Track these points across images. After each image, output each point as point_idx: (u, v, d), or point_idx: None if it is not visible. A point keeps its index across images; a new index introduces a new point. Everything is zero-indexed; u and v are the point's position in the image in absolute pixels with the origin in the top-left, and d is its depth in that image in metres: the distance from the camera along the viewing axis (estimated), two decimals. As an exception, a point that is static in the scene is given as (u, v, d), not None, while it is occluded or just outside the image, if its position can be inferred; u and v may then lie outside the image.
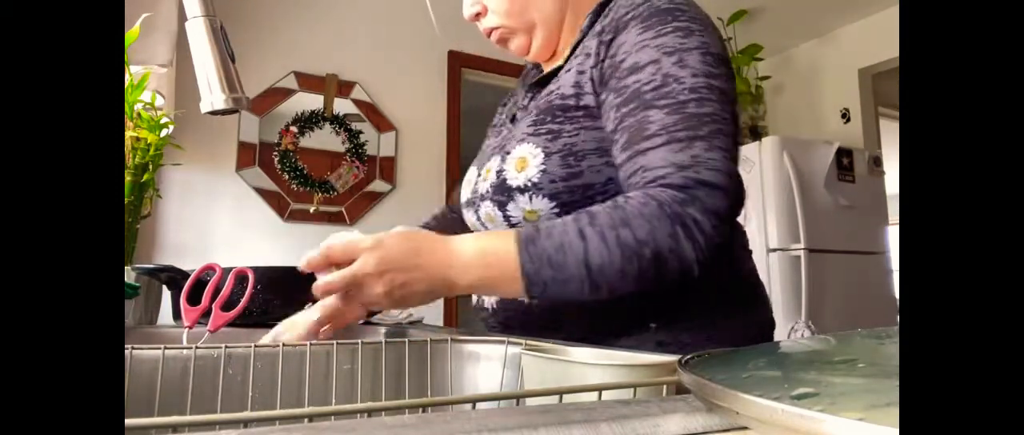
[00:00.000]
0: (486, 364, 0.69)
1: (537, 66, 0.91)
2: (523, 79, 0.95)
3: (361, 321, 0.73)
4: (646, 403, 0.31)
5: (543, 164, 0.69)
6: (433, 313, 2.82)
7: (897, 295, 3.09)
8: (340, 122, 2.87)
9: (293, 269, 1.04)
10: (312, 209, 2.75)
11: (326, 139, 2.84)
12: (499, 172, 0.74)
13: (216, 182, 2.60)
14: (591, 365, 0.43)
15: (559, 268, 0.59)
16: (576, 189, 0.69)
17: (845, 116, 3.74)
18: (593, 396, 0.37)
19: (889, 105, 4.00)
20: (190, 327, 0.70)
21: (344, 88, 2.89)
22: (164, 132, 1.21)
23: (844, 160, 3.06)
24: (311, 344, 0.65)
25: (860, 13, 3.65)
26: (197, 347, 0.62)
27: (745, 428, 0.25)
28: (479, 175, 0.79)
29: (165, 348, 0.61)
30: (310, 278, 0.87)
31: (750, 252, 0.81)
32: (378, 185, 2.90)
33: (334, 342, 0.65)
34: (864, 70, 3.71)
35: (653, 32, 0.67)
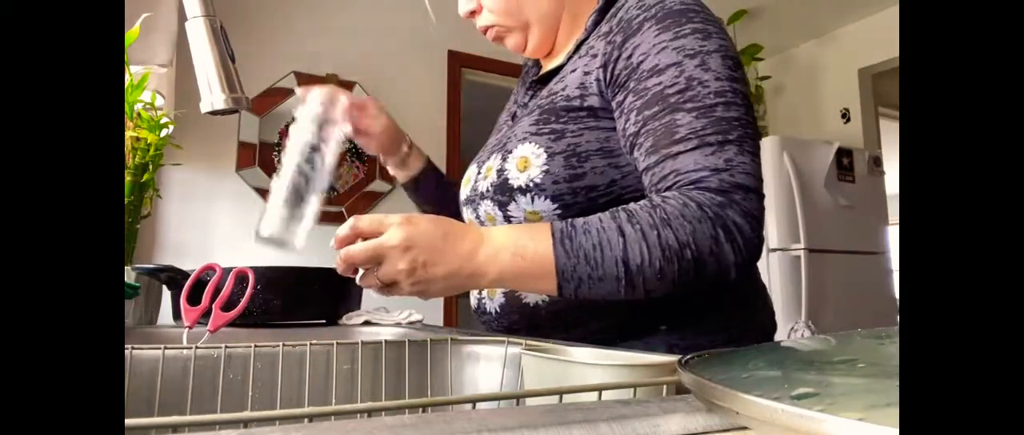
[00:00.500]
0: (486, 364, 0.69)
1: (536, 63, 0.90)
2: (523, 77, 0.94)
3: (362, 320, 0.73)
4: (646, 403, 0.31)
5: (546, 165, 0.69)
6: (433, 313, 2.82)
7: (897, 295, 3.09)
8: (340, 122, 2.87)
9: (293, 269, 1.05)
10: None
11: (326, 139, 2.84)
12: (500, 171, 0.73)
13: (216, 182, 2.60)
14: (591, 365, 0.43)
15: (596, 266, 0.57)
16: (579, 191, 0.68)
17: (845, 116, 3.74)
18: (593, 396, 0.37)
19: (889, 105, 4.00)
20: (190, 327, 0.70)
21: (344, 88, 2.89)
22: (164, 132, 1.21)
23: (844, 160, 3.06)
24: (311, 344, 0.65)
25: (860, 13, 3.65)
26: (197, 347, 0.62)
27: (745, 428, 0.25)
28: (479, 173, 0.79)
29: (165, 348, 0.61)
30: (310, 278, 0.87)
31: None
32: (378, 185, 2.90)
33: (334, 342, 0.65)
34: (864, 70, 3.71)
35: (671, 33, 0.66)
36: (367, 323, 1.06)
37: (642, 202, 0.61)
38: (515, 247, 0.59)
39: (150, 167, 1.18)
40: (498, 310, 0.77)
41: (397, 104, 3.01)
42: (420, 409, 0.33)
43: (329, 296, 1.06)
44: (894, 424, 0.18)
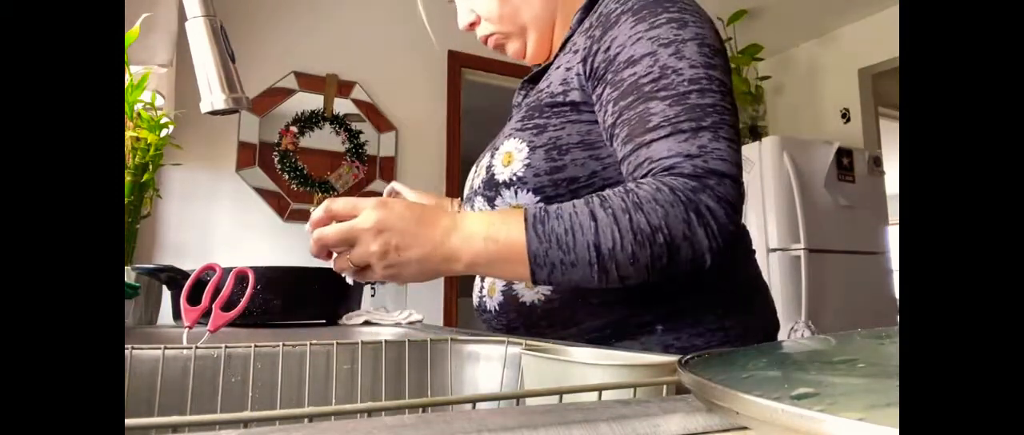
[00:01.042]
0: (486, 364, 0.69)
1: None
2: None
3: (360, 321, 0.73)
4: (646, 403, 0.31)
5: (528, 158, 0.70)
6: (433, 313, 2.82)
7: (897, 295, 3.09)
8: (340, 122, 2.87)
9: (293, 269, 1.05)
10: (312, 209, 2.75)
11: (326, 139, 2.84)
12: (488, 168, 0.75)
13: (216, 182, 2.60)
14: (591, 365, 0.43)
15: (568, 250, 0.57)
16: (560, 183, 0.69)
17: (845, 116, 3.74)
18: (593, 396, 0.37)
19: (889, 105, 4.00)
20: (190, 327, 0.70)
21: (344, 88, 2.89)
22: (164, 132, 1.21)
23: (844, 160, 3.06)
24: (311, 344, 0.65)
25: (860, 13, 3.65)
26: (197, 347, 0.62)
27: (745, 428, 0.25)
28: (475, 171, 0.81)
29: (165, 348, 0.61)
30: (310, 278, 0.87)
31: (754, 253, 0.81)
32: (378, 185, 2.90)
33: (334, 342, 0.65)
34: (864, 70, 3.71)
35: (646, 24, 0.66)
36: (367, 323, 1.06)
37: (617, 188, 0.61)
38: (488, 231, 0.59)
39: (150, 167, 1.18)
40: (497, 309, 0.78)
41: (397, 104, 3.01)
42: (420, 409, 0.33)
43: (329, 296, 1.07)
44: (894, 424, 0.18)
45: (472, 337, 0.72)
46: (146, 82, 1.18)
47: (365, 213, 0.59)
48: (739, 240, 0.78)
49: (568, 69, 0.72)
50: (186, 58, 0.73)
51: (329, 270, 0.82)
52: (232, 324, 0.74)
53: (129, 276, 1.03)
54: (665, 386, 0.39)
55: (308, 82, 2.82)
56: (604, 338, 0.71)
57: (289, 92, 2.78)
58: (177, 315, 1.03)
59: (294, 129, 2.78)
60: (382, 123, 2.96)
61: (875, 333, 0.38)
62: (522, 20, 0.80)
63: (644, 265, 0.57)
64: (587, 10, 0.77)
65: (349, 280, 0.63)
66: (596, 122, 0.70)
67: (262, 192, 2.68)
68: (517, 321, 0.76)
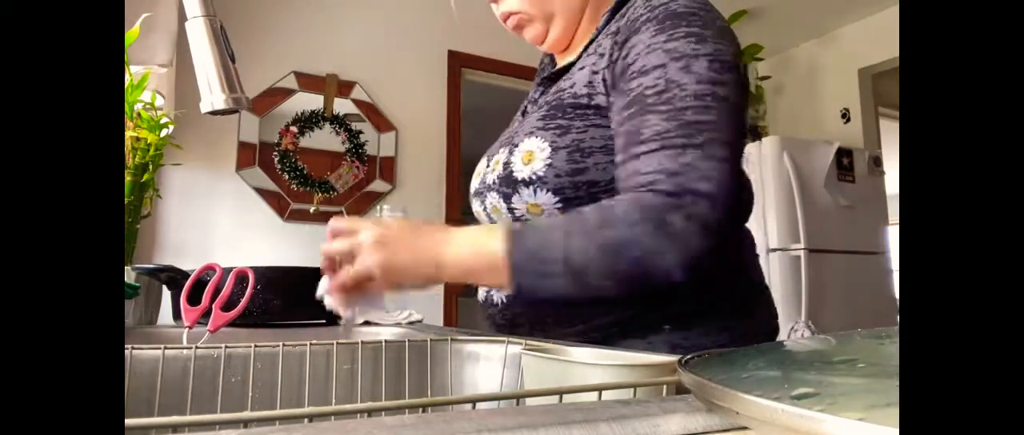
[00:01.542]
0: (486, 364, 0.69)
1: (551, 59, 0.91)
2: (539, 74, 0.95)
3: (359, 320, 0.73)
4: (646, 403, 0.31)
5: (549, 158, 0.70)
6: (433, 313, 2.82)
7: (897, 295, 3.09)
8: (340, 122, 2.87)
9: (293, 269, 1.04)
10: (312, 209, 2.75)
11: (326, 139, 2.84)
12: (506, 164, 0.74)
13: (216, 182, 2.60)
14: (591, 365, 0.43)
15: (542, 263, 0.60)
16: (581, 185, 0.69)
17: (845, 116, 3.74)
18: (593, 396, 0.37)
19: (889, 105, 4.00)
20: (190, 327, 0.70)
21: (344, 88, 2.89)
22: (164, 132, 1.21)
23: (844, 160, 3.06)
24: (311, 344, 0.65)
25: (860, 13, 3.65)
26: (197, 347, 0.62)
27: (745, 428, 0.25)
28: (488, 166, 0.80)
29: (165, 348, 0.61)
30: (310, 278, 0.88)
31: (758, 256, 0.81)
32: (378, 185, 2.90)
33: (334, 342, 0.65)
34: (864, 70, 3.71)
35: (665, 35, 0.66)
36: (367, 323, 1.06)
37: (597, 204, 0.63)
38: (474, 244, 0.63)
39: (150, 167, 1.18)
40: (504, 301, 0.78)
41: (397, 104, 3.01)
42: (420, 409, 0.33)
43: (329, 296, 1.06)
44: (894, 424, 0.18)
45: (472, 337, 0.72)
46: (146, 82, 1.18)
47: (366, 230, 0.64)
48: (743, 245, 0.79)
49: (594, 72, 0.72)
50: (186, 58, 0.73)
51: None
52: (232, 324, 0.74)
53: (129, 276, 1.03)
54: (665, 386, 0.39)
55: (308, 82, 2.82)
56: (610, 336, 0.71)
57: (289, 92, 2.78)
58: (177, 315, 1.03)
59: (294, 129, 2.78)
60: (382, 123, 2.96)
61: (875, 333, 0.38)
62: (551, 7, 0.79)
63: (616, 281, 0.60)
64: (614, 12, 0.76)
65: (337, 308, 0.66)
66: None
67: (262, 192, 2.68)
68: (522, 316, 0.77)
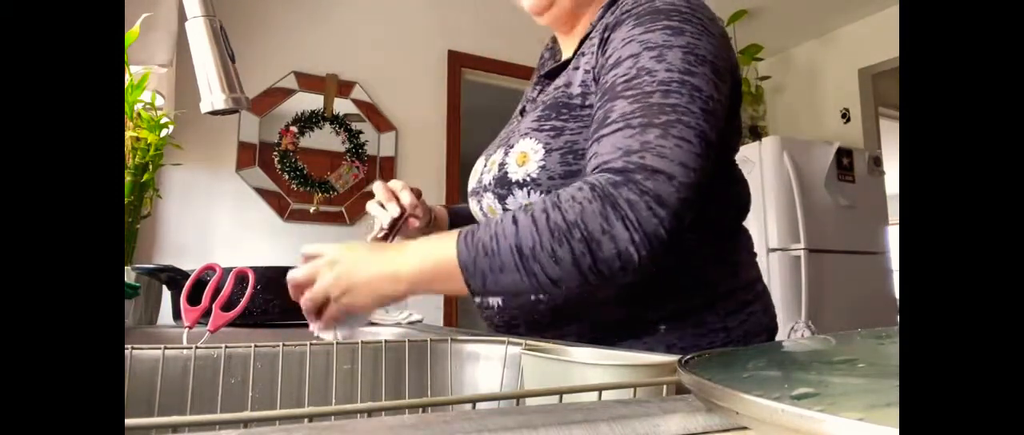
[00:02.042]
0: (486, 364, 0.69)
1: (551, 54, 0.91)
2: (538, 70, 0.95)
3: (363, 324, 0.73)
4: (646, 403, 0.31)
5: (543, 160, 0.70)
6: (433, 313, 2.82)
7: (897, 295, 3.09)
8: (340, 122, 2.87)
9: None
10: (312, 209, 2.75)
11: (326, 139, 2.84)
12: (501, 165, 0.74)
13: (216, 182, 2.60)
14: (591, 365, 0.43)
15: (493, 255, 0.58)
16: None
17: (845, 116, 3.74)
18: (593, 396, 0.37)
19: (889, 105, 4.00)
20: (190, 327, 0.70)
21: (344, 88, 2.89)
22: (164, 132, 1.21)
23: (844, 160, 3.06)
24: (311, 344, 0.65)
25: (860, 13, 3.65)
26: (197, 347, 0.62)
27: (745, 428, 0.25)
28: (485, 166, 0.80)
29: (165, 348, 0.61)
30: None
31: (755, 256, 0.81)
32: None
33: (334, 342, 0.65)
34: (864, 70, 3.71)
35: (643, 28, 0.66)
36: (367, 323, 1.06)
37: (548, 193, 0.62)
38: (425, 252, 0.61)
39: (150, 167, 1.18)
40: (499, 305, 0.78)
41: (397, 104, 3.01)
42: (420, 409, 0.33)
43: (329, 296, 1.06)
44: (894, 424, 0.18)
45: (472, 337, 0.72)
46: (146, 82, 1.18)
47: (326, 254, 0.64)
48: (740, 244, 0.79)
49: (587, 71, 0.72)
50: (186, 58, 0.73)
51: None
52: (232, 324, 0.74)
53: (129, 276, 1.03)
54: (665, 386, 0.39)
55: (308, 82, 2.82)
56: (607, 337, 0.71)
57: (289, 92, 2.78)
58: (177, 315, 1.03)
59: (294, 129, 2.78)
60: (382, 123, 2.96)
61: (875, 333, 0.38)
62: None
63: (569, 263, 0.56)
64: (609, 6, 0.76)
65: (317, 332, 0.66)
66: None
67: (262, 192, 2.67)
68: (519, 318, 0.76)
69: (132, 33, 1.14)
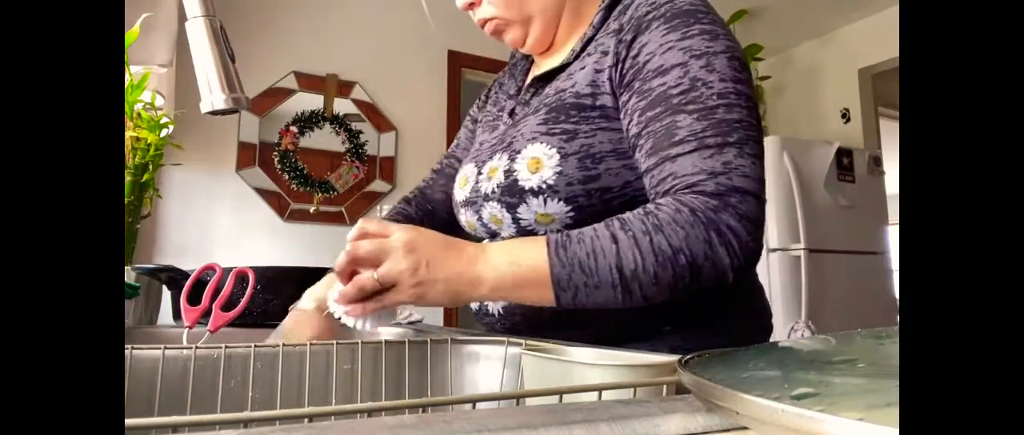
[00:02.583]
0: (486, 364, 0.69)
1: (527, 56, 0.89)
2: (511, 70, 0.93)
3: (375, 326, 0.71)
4: (646, 403, 0.31)
5: (559, 166, 0.68)
6: (433, 313, 2.82)
7: (897, 295, 3.09)
8: (340, 122, 2.87)
9: (293, 269, 1.04)
10: (312, 209, 2.75)
11: (326, 139, 2.84)
12: (508, 172, 0.71)
13: (216, 182, 2.60)
14: (591, 365, 0.43)
15: (591, 273, 0.58)
16: (593, 192, 0.67)
17: (845, 116, 3.74)
18: (593, 396, 0.37)
19: (889, 105, 4.00)
20: (190, 327, 0.70)
21: (344, 88, 2.89)
22: (164, 132, 1.21)
23: (844, 160, 3.06)
24: (311, 344, 0.65)
25: (860, 13, 3.65)
26: (197, 347, 0.62)
27: (745, 428, 0.25)
28: (480, 174, 0.76)
29: (165, 348, 0.61)
30: (310, 278, 0.87)
31: None
32: (378, 185, 2.90)
33: (334, 342, 0.65)
34: (864, 70, 3.71)
35: (678, 33, 0.66)
36: (394, 322, 1.06)
37: (639, 209, 0.61)
38: (512, 257, 0.60)
39: (150, 167, 1.18)
40: (501, 312, 0.76)
41: (397, 104, 3.01)
42: (420, 409, 0.33)
43: (329, 296, 1.06)
44: (894, 424, 0.18)
45: (472, 337, 0.72)
46: (146, 82, 1.18)
47: (397, 233, 0.60)
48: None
49: (598, 71, 0.70)
50: (186, 58, 0.73)
51: (329, 271, 0.82)
52: (232, 324, 0.74)
53: (129, 276, 1.03)
54: (665, 386, 0.39)
55: (308, 82, 2.82)
56: (611, 342, 0.70)
57: (289, 92, 2.78)
58: (177, 315, 1.03)
59: (294, 129, 2.78)
60: (382, 123, 2.96)
61: (875, 333, 0.38)
62: (528, 9, 0.77)
63: (668, 285, 0.58)
64: (610, 9, 0.75)
65: (340, 316, 0.62)
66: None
67: (262, 192, 2.68)
68: (522, 324, 0.75)
69: (132, 33, 1.14)
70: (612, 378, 0.40)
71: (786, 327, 2.73)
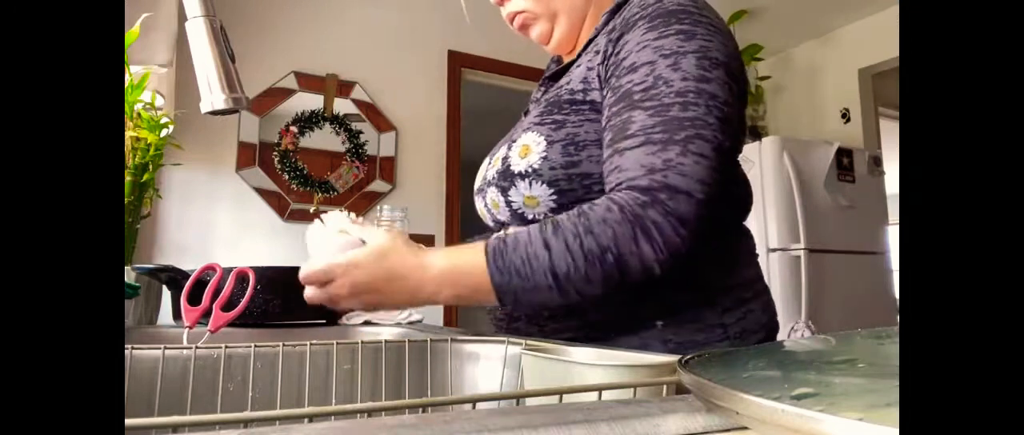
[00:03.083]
0: (486, 364, 0.69)
1: (558, 60, 0.93)
2: (545, 75, 0.96)
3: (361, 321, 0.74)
4: (646, 403, 0.31)
5: (545, 152, 0.71)
6: (433, 313, 2.82)
7: (897, 295, 3.09)
8: (340, 122, 2.87)
9: (294, 269, 1.04)
10: (312, 209, 2.75)
11: (326, 139, 2.84)
12: (504, 159, 0.76)
13: (216, 182, 2.60)
14: (591, 365, 0.43)
15: (526, 278, 0.62)
16: (574, 177, 0.70)
17: (845, 116, 3.74)
18: (593, 396, 0.37)
19: (889, 105, 4.00)
20: (190, 327, 0.70)
21: (344, 88, 2.89)
22: (164, 132, 1.21)
23: (844, 160, 3.06)
24: (311, 344, 0.65)
25: (860, 13, 3.65)
26: (197, 347, 0.62)
27: (745, 428, 0.25)
28: (489, 163, 0.82)
29: (165, 348, 0.61)
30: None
31: (756, 256, 0.82)
32: (378, 185, 2.90)
33: (334, 342, 0.65)
34: (864, 70, 3.71)
35: (656, 33, 0.67)
36: (367, 323, 1.06)
37: (573, 210, 0.65)
38: (452, 273, 0.65)
39: (150, 167, 1.18)
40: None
41: (397, 104, 3.01)
42: (420, 409, 0.33)
43: (329, 296, 1.06)
44: (894, 424, 0.18)
45: (472, 337, 0.72)
46: (146, 82, 1.18)
47: (338, 283, 0.65)
48: (740, 244, 0.79)
49: (589, 68, 0.74)
50: (186, 58, 0.73)
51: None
52: (232, 324, 0.74)
53: (129, 276, 1.03)
54: (665, 386, 0.39)
55: (308, 82, 2.82)
56: (605, 333, 0.71)
57: (289, 92, 2.78)
58: (177, 315, 1.03)
59: (294, 129, 2.78)
60: (382, 123, 2.96)
61: (875, 333, 0.38)
62: (555, 5, 0.81)
63: (599, 282, 0.62)
64: (614, 13, 0.78)
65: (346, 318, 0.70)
66: None
67: (262, 192, 2.68)
68: (519, 312, 0.78)
69: (132, 33, 1.14)
70: (612, 378, 0.40)
71: (786, 327, 2.73)
